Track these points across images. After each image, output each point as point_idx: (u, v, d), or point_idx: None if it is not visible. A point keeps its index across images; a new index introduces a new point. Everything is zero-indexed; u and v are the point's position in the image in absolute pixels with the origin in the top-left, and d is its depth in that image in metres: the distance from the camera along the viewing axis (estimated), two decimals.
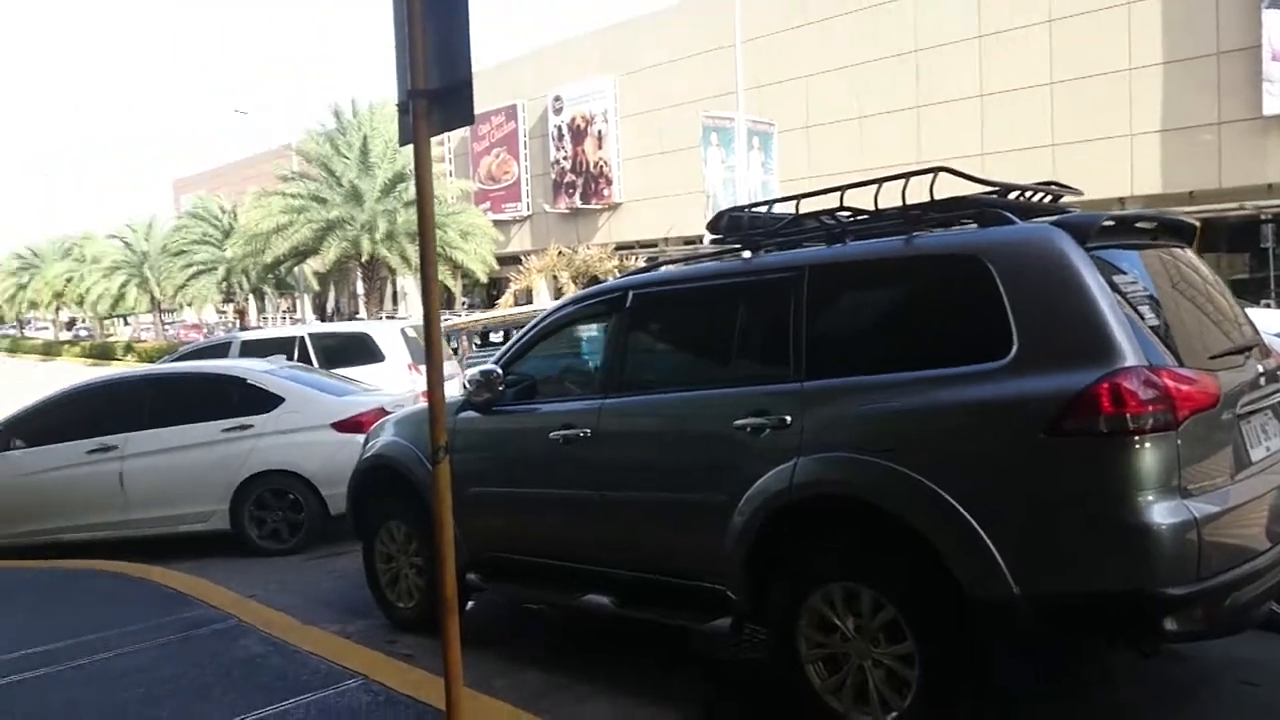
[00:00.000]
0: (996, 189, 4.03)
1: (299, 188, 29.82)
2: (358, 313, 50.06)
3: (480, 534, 5.08)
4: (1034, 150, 25.78)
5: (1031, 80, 26.62)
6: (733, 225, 4.53)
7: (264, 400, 8.07)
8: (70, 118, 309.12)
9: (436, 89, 3.45)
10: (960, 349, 3.44)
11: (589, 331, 5.31)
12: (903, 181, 3.81)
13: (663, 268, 5.07)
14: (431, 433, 3.51)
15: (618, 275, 25.76)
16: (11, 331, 76.80)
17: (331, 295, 54.83)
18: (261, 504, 7.96)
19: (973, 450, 3.32)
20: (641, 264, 22.77)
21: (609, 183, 41.10)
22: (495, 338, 14.32)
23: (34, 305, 66.71)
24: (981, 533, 3.19)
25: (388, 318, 34.17)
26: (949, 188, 3.80)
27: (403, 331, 11.71)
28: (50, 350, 58.61)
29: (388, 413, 8.23)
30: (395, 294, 48.68)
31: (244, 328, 41.98)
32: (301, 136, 31.41)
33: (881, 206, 3.94)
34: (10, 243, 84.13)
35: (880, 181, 3.94)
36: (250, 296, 45.81)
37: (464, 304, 44.28)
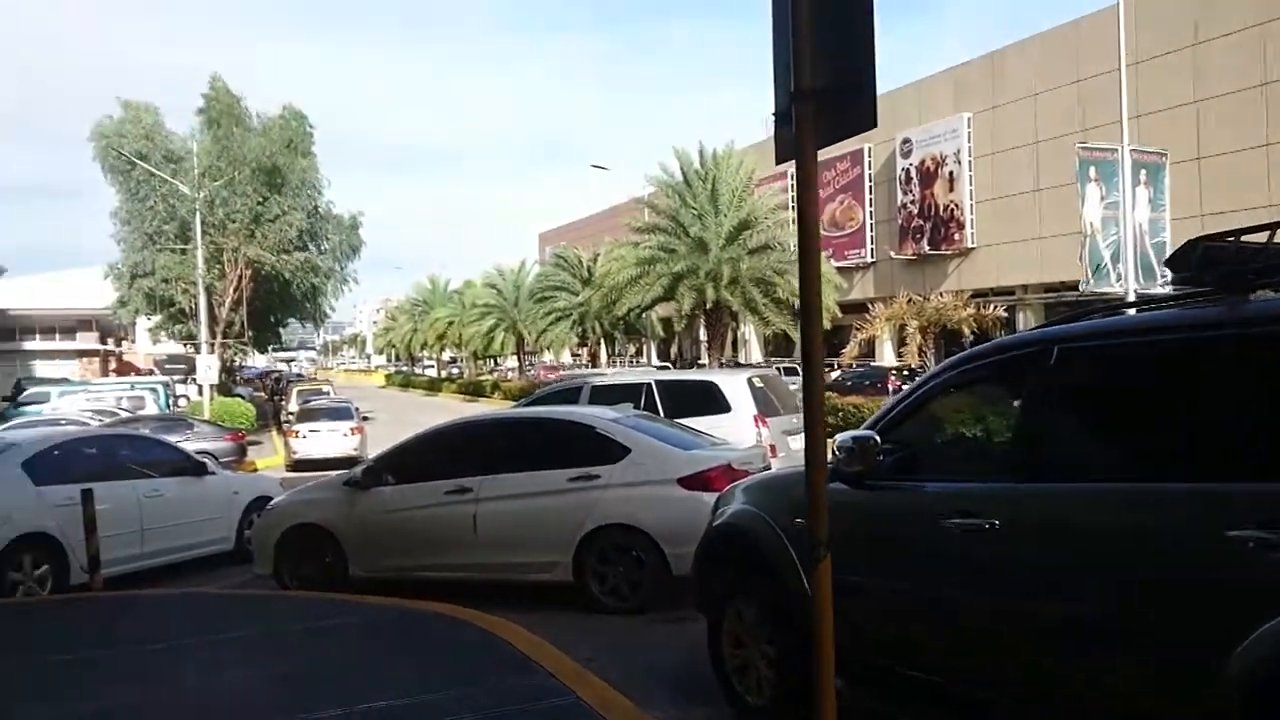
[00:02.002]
0: None
1: (651, 239, 30.77)
2: (699, 358, 51.21)
3: (842, 630, 4.24)
4: None
5: None
6: (1209, 260, 3.37)
7: (611, 450, 7.79)
8: (451, 181, 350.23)
9: (827, 87, 2.73)
10: None
11: (991, 394, 4.33)
12: None
13: (1091, 318, 3.98)
14: (810, 522, 2.77)
15: (972, 325, 23.96)
16: (405, 368, 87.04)
17: (676, 341, 56.68)
18: (604, 558, 7.64)
19: None
20: (1000, 313, 20.78)
21: (960, 226, 38.84)
22: None
23: (424, 345, 75.13)
24: None
25: (727, 364, 34.30)
26: None
27: (749, 381, 11.18)
28: (434, 386, 65.43)
29: (735, 470, 7.69)
30: (736, 341, 49.19)
31: (595, 370, 44.21)
32: (652, 189, 32.48)
33: None
34: (407, 286, 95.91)
35: None
36: (601, 341, 48.27)
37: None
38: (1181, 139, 28.33)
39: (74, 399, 27.61)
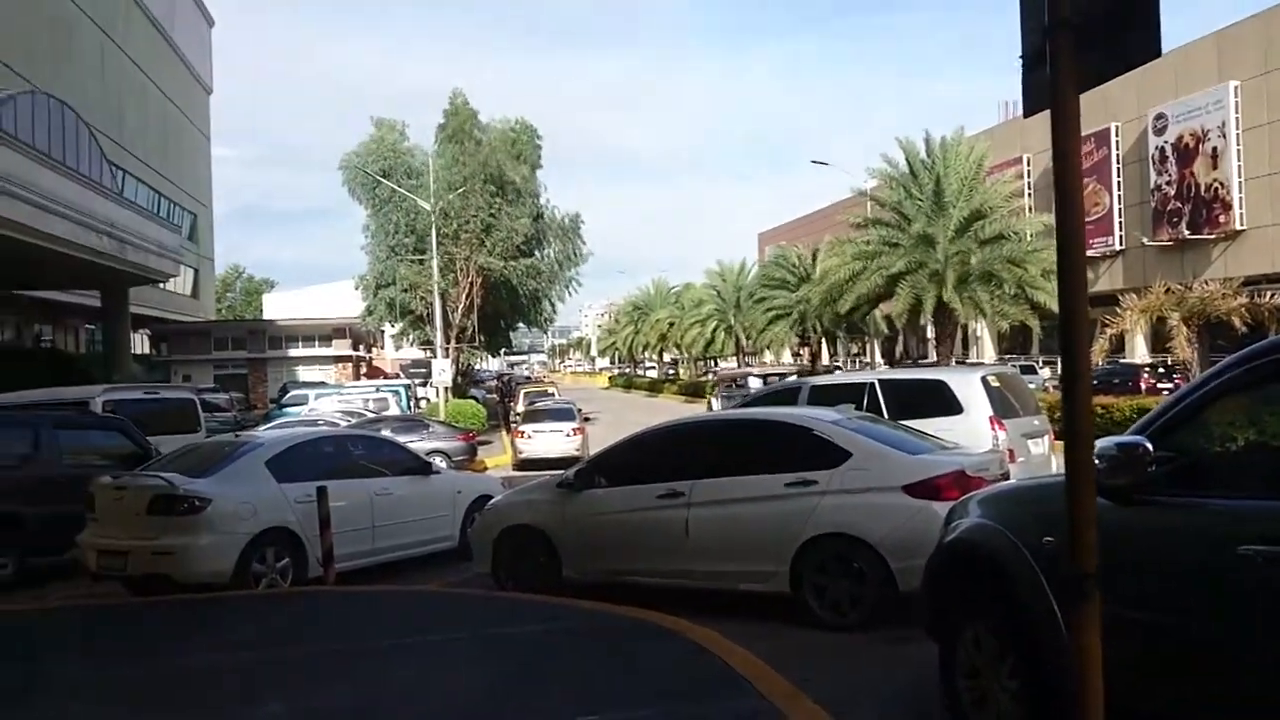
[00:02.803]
0: None
1: (872, 234, 29.59)
2: (926, 357, 48.97)
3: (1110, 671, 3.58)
4: None
5: None
6: None
7: (830, 454, 7.27)
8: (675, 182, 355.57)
9: (1094, 14, 2.17)
10: None
11: None
12: None
13: None
14: (1075, 550, 2.22)
15: (1244, 317, 21.26)
16: (627, 370, 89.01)
17: (900, 339, 54.55)
18: (823, 570, 7.14)
19: None
20: (1278, 301, 18.26)
21: (1225, 207, 34.96)
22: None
23: (645, 346, 76.49)
24: None
25: (958, 363, 32.47)
26: None
27: (984, 380, 10.26)
28: (654, 387, 66.44)
29: (969, 477, 7.01)
30: (966, 338, 46.65)
31: (813, 372, 43.23)
32: (875, 182, 31.27)
33: None
34: (630, 289, 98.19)
35: None
36: (823, 340, 47.16)
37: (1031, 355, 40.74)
38: None
39: (328, 401, 29.88)
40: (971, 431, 9.61)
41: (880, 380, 10.96)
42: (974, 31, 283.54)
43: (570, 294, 42.53)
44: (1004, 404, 10.23)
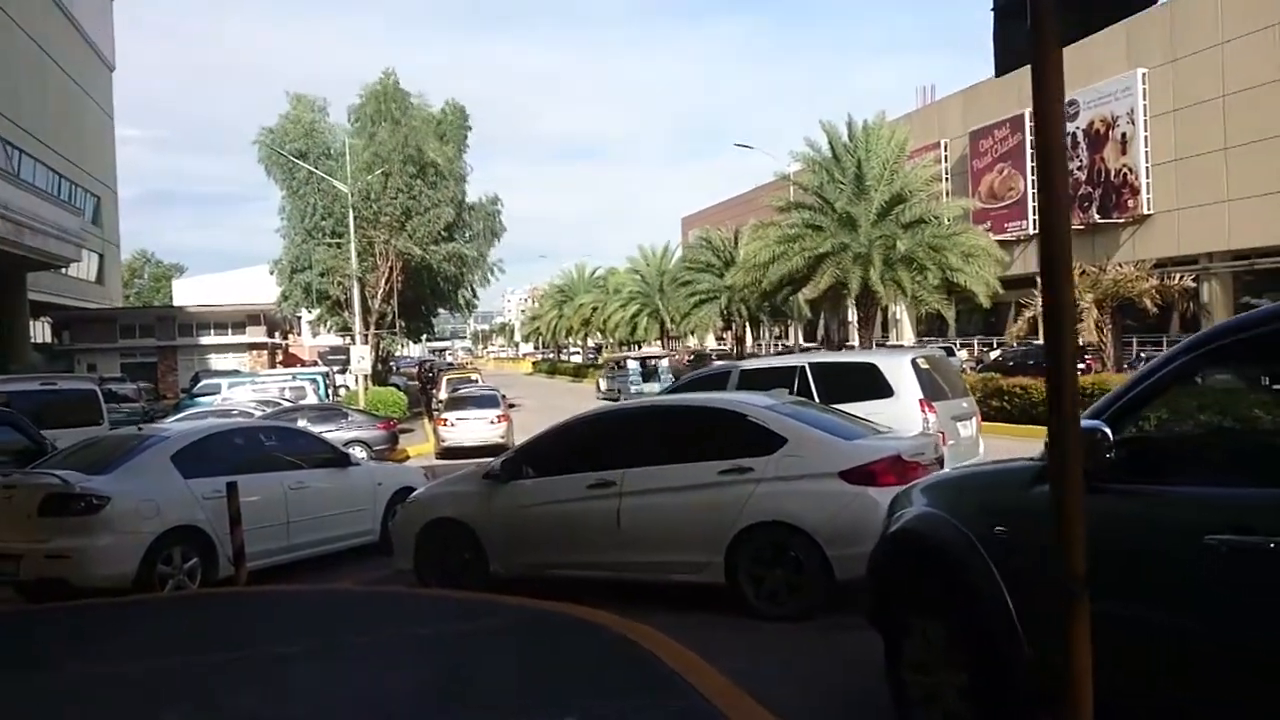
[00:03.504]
0: None
1: (795, 217, 29.69)
2: (848, 340, 49.59)
3: (1046, 669, 3.45)
4: None
5: None
6: None
7: (765, 440, 7.09)
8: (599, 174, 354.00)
9: None
10: None
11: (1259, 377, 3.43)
12: None
13: None
14: (1066, 554, 2.01)
15: (1154, 298, 21.88)
16: (551, 356, 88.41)
17: (822, 323, 55.16)
18: (759, 559, 6.96)
19: None
20: (1187, 283, 18.77)
21: (1134, 192, 36.00)
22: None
23: (569, 331, 75.95)
24: None
25: (877, 345, 32.86)
26: None
27: (914, 363, 10.21)
28: (579, 373, 66.04)
29: (905, 462, 6.90)
30: (886, 322, 47.34)
31: (740, 355, 43.37)
32: (798, 166, 31.36)
33: None
34: (553, 274, 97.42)
35: None
36: (747, 324, 47.35)
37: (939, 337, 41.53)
38: None
39: (242, 390, 28.87)
40: (902, 414, 9.54)
41: (811, 364, 10.84)
42: (894, 14, 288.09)
43: (493, 279, 41.94)
44: (933, 386, 10.20)
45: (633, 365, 39.04)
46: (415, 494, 9.20)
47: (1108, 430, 3.38)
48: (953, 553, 4.01)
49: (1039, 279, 2.17)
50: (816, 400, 9.63)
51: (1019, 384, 20.35)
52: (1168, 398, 3.51)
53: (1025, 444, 16.41)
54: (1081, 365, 28.19)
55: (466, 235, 39.40)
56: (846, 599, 6.92)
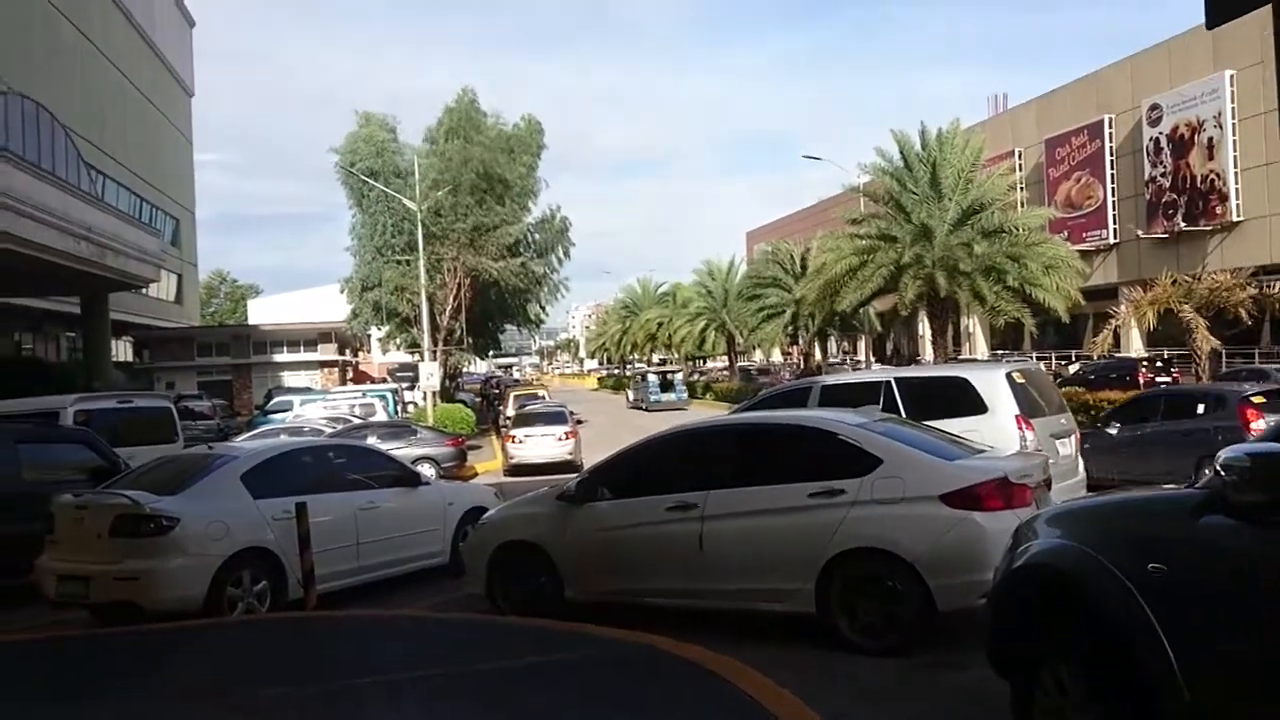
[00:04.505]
0: None
1: (868, 228, 28.99)
2: (919, 354, 48.41)
3: None
4: None
5: None
6: None
7: (857, 460, 6.62)
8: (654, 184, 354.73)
9: None
10: None
11: None
12: None
13: None
14: None
15: (1250, 308, 20.74)
16: (616, 371, 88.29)
17: (891, 337, 54.01)
18: (853, 588, 6.49)
19: None
20: None
21: (1222, 198, 34.54)
22: None
23: (634, 346, 75.69)
24: None
25: (949, 359, 31.93)
26: None
27: (1009, 376, 9.60)
28: None
29: (1013, 484, 6.38)
30: (958, 335, 46.15)
31: (806, 371, 42.63)
32: (868, 178, 30.66)
33: None
34: (617, 290, 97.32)
35: None
36: (815, 339, 46.54)
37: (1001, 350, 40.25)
38: None
39: (313, 407, 29.15)
40: (998, 432, 8.97)
41: (897, 379, 10.30)
42: (960, 28, 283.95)
43: (561, 295, 41.90)
44: (1030, 402, 9.60)
45: (652, 378, 47.30)
46: (487, 515, 8.89)
47: None
48: (1097, 592, 3.54)
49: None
50: (904, 417, 9.11)
51: (1106, 398, 19.46)
52: None
53: None
54: (1167, 379, 26.99)
55: (534, 251, 39.43)
56: (947, 631, 6.45)
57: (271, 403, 34.16)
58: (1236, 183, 34.28)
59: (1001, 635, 4.19)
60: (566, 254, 40.25)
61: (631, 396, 49.87)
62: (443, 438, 21.56)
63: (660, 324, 65.34)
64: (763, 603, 6.89)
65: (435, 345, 32.90)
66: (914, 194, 27.54)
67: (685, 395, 45.71)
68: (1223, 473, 3.10)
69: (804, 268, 40.95)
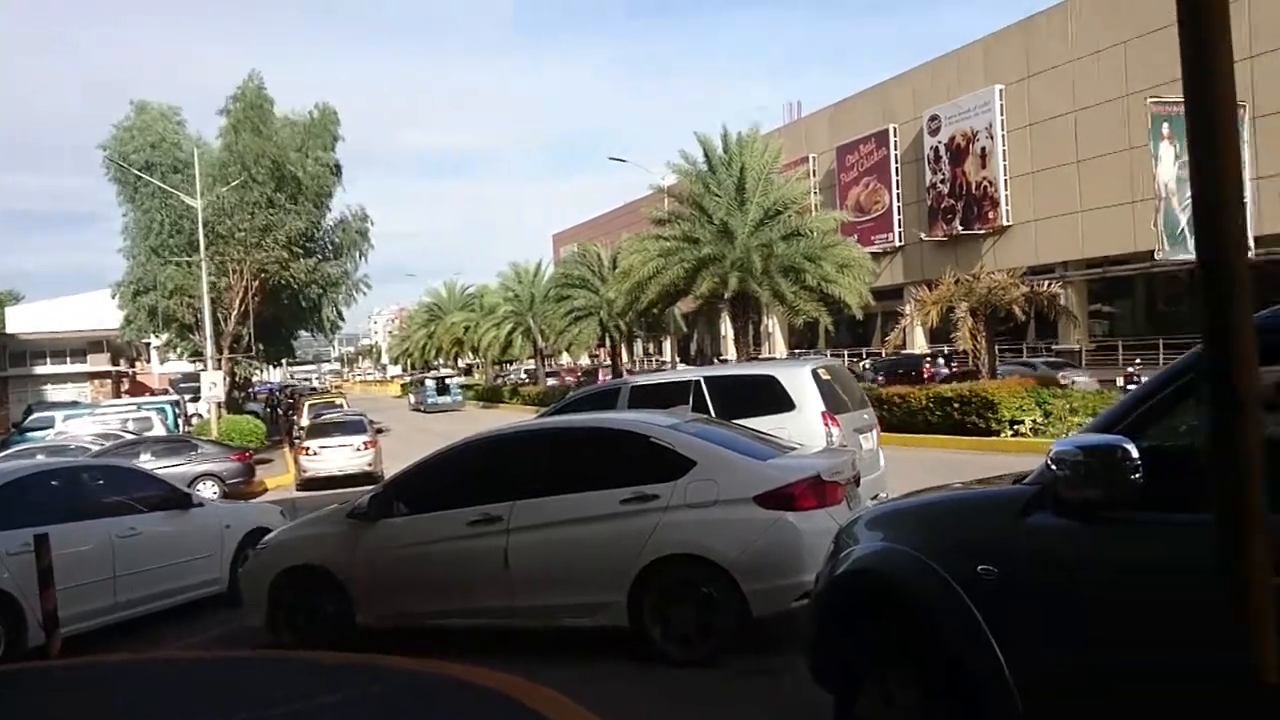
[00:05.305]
0: None
1: (672, 229, 29.27)
2: (721, 354, 49.54)
3: None
4: None
5: None
6: None
7: (671, 463, 6.32)
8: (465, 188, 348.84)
9: None
10: None
11: None
12: None
13: None
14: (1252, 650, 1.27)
15: (1023, 306, 22.34)
16: (420, 377, 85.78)
17: (695, 338, 55.04)
18: (667, 597, 6.18)
19: None
20: (1054, 290, 19.16)
21: (994, 204, 37.19)
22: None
23: (439, 351, 73.70)
24: None
25: (749, 358, 32.75)
26: None
27: (815, 373, 9.63)
28: None
29: (825, 482, 6.25)
30: (758, 335, 47.55)
31: (615, 373, 42.73)
32: (672, 179, 30.97)
33: None
34: (421, 294, 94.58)
35: None
36: (623, 340, 46.73)
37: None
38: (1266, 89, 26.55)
39: (80, 423, 26.47)
40: (805, 428, 8.94)
41: (706, 378, 10.14)
42: (760, 36, 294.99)
43: (359, 297, 40.10)
44: (834, 398, 9.66)
45: (429, 382, 52.11)
46: (267, 538, 8.01)
47: (1130, 448, 2.74)
48: (926, 597, 3.32)
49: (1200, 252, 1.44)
50: (713, 416, 8.94)
51: (898, 393, 20.39)
52: (1188, 408, 2.90)
53: (910, 452, 16.28)
54: (945, 371, 28.68)
55: (330, 251, 37.50)
56: (767, 639, 6.25)
57: (30, 419, 30.84)
58: (1006, 189, 36.97)
59: (825, 646, 3.94)
60: (364, 255, 38.60)
61: (412, 400, 54.23)
62: (228, 452, 19.93)
63: (467, 328, 63.95)
64: (575, 618, 6.47)
65: (220, 353, 30.63)
66: (717, 196, 28.05)
67: (460, 398, 51.45)
68: (1054, 467, 2.93)
69: (615, 268, 41.03)
